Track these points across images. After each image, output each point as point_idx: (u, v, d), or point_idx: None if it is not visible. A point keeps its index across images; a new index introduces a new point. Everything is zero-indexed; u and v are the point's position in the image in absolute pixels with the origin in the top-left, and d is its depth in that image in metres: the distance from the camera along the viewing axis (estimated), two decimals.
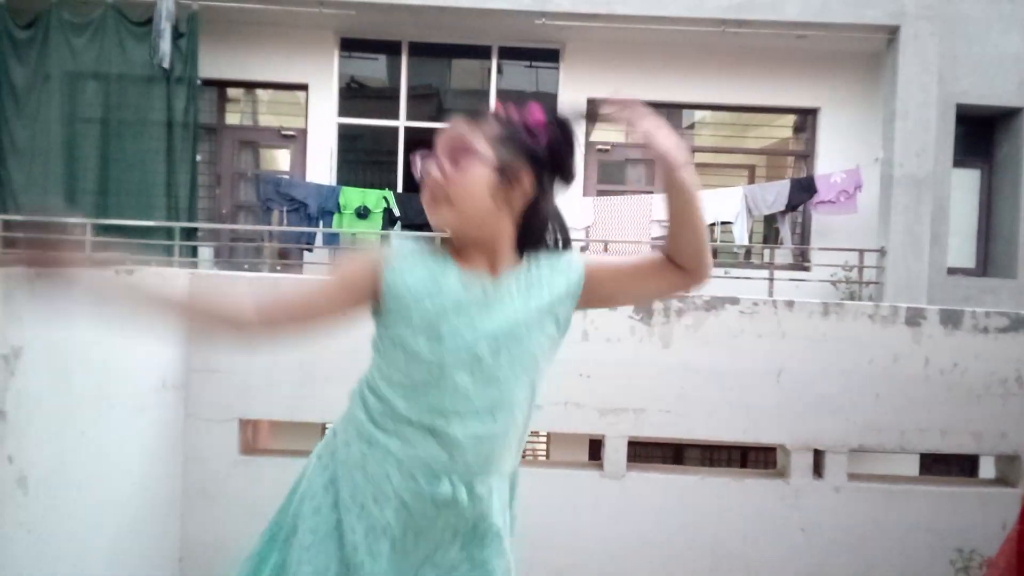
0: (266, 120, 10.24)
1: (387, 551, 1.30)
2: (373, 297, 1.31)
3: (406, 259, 1.31)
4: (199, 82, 9.05)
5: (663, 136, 1.25)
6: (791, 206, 9.16)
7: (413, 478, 1.29)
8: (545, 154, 1.32)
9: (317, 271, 8.70)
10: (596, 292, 1.39)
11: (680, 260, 1.34)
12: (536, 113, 1.33)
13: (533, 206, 1.34)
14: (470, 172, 1.28)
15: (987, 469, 4.42)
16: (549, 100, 9.73)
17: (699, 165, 10.29)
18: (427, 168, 1.30)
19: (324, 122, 9.56)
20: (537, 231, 1.37)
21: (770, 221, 9.76)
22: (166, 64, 8.72)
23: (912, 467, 7.20)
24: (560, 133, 1.33)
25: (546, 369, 1.37)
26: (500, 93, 9.67)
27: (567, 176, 1.36)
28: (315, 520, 1.33)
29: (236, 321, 1.25)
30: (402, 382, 1.30)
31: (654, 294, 1.47)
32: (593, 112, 1.36)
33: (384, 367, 1.33)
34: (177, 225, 8.86)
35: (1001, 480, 2.86)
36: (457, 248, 1.34)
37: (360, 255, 1.34)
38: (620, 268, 1.41)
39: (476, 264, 1.33)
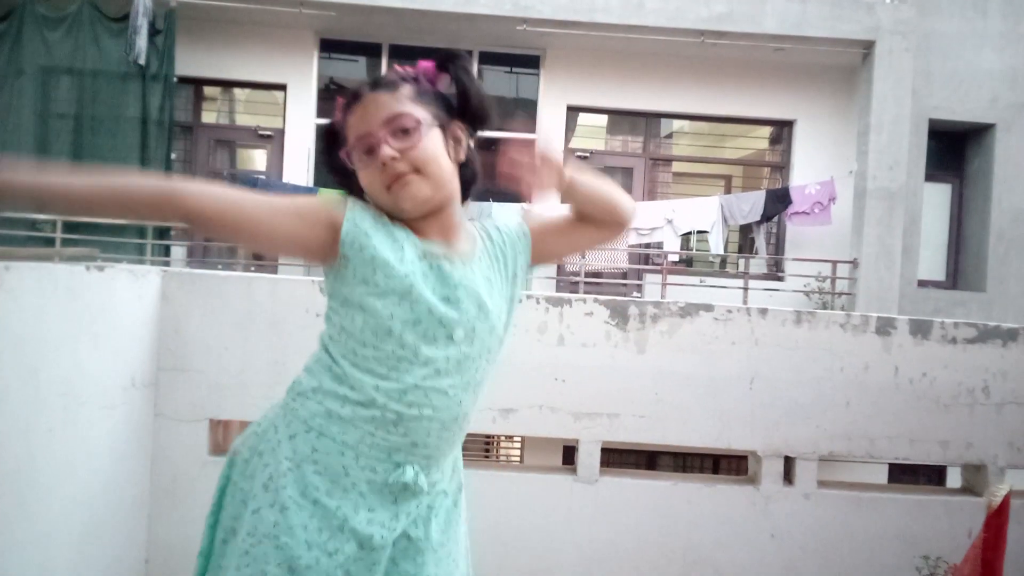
0: (243, 119, 10.16)
1: (351, 551, 1.21)
2: (330, 249, 1.23)
3: (366, 217, 1.25)
4: (175, 80, 8.97)
5: (547, 154, 1.25)
6: (766, 216, 9.26)
7: (372, 469, 1.23)
8: (458, 100, 1.31)
9: (292, 272, 8.64)
10: (543, 249, 1.42)
11: (598, 224, 1.39)
12: (425, 65, 1.31)
13: (467, 156, 1.33)
14: (424, 139, 1.23)
15: (953, 481, 4.48)
16: (529, 106, 9.76)
17: (676, 174, 10.39)
18: (375, 153, 1.23)
19: (302, 123, 9.52)
20: (472, 180, 1.35)
21: (745, 231, 9.86)
22: (142, 61, 8.64)
23: (880, 477, 7.29)
24: (458, 76, 1.31)
25: (505, 343, 1.35)
26: None
27: (482, 116, 1.33)
28: (253, 521, 1.22)
29: (157, 204, 1.16)
30: (369, 359, 1.22)
31: (590, 243, 1.49)
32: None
33: (348, 344, 1.24)
34: (149, 224, 8.76)
35: (967, 489, 2.90)
36: (407, 220, 1.28)
37: (319, 200, 1.27)
38: (561, 222, 1.44)
39: (430, 235, 1.27)
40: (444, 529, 1.32)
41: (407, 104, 1.24)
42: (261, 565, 1.19)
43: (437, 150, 1.25)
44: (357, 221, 1.23)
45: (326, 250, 1.24)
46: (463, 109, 1.31)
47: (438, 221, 1.28)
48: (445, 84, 1.32)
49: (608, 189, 1.37)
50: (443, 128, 1.28)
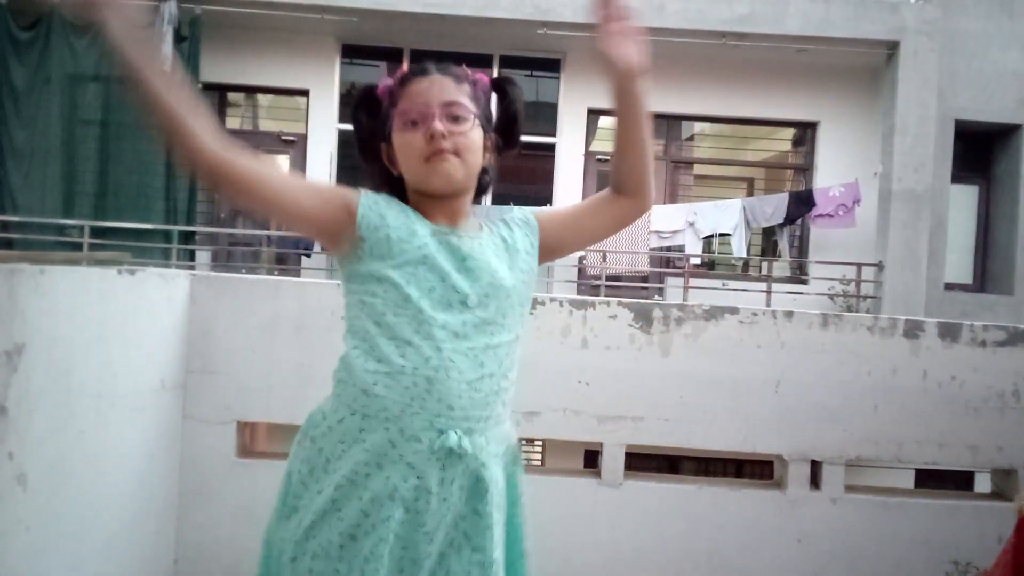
0: (266, 125, 10.26)
1: (399, 516, 1.30)
2: (343, 231, 1.34)
3: (380, 200, 1.37)
4: (200, 86, 9.06)
5: (636, 44, 1.39)
6: (789, 219, 9.19)
7: (417, 439, 1.30)
8: (503, 122, 1.45)
9: (315, 276, 8.69)
10: (553, 241, 1.50)
11: (625, 186, 1.48)
12: (483, 77, 1.44)
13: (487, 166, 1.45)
14: (472, 130, 1.37)
15: (981, 485, 4.42)
16: (550, 109, 9.77)
17: (698, 177, 10.35)
18: (421, 125, 1.34)
19: (324, 128, 9.58)
20: (484, 187, 1.48)
21: (768, 234, 9.79)
22: (167, 67, 8.73)
23: (907, 482, 7.20)
24: (510, 101, 1.46)
25: (524, 316, 1.44)
26: None
27: (514, 142, 1.47)
28: (317, 500, 1.33)
29: (194, 137, 1.29)
30: (391, 326, 1.31)
31: (605, 230, 1.56)
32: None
33: (371, 317, 1.33)
34: (175, 228, 8.86)
35: (997, 494, 2.86)
36: (416, 203, 1.40)
37: (336, 185, 1.39)
38: (570, 212, 1.56)
39: (437, 219, 1.39)
40: (501, 502, 1.42)
41: (465, 98, 1.37)
42: (327, 536, 1.31)
43: (477, 144, 1.39)
44: (372, 204, 1.35)
45: (340, 232, 1.35)
46: (504, 129, 1.45)
47: (449, 207, 1.40)
48: (491, 101, 1.45)
49: (648, 132, 1.44)
50: (486, 132, 1.42)
